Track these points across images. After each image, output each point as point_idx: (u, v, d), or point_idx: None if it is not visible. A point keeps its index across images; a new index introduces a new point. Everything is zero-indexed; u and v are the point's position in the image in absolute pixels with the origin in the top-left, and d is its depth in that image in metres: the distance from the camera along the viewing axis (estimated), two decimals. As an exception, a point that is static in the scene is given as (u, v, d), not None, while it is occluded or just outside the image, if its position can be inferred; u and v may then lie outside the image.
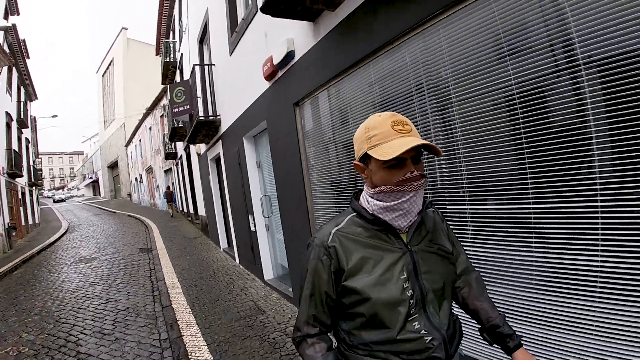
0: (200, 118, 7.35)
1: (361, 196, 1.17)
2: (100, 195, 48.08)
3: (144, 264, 8.08)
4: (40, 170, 28.13)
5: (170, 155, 17.79)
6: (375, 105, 2.73)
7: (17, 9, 17.01)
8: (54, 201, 44.81)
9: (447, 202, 2.27)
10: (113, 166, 40.87)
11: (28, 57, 18.93)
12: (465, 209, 2.16)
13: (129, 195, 35.29)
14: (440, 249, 1.16)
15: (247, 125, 5.42)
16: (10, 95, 16.21)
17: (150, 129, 23.96)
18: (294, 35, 3.53)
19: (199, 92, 7.87)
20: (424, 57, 2.26)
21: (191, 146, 11.55)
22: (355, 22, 2.69)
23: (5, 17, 15.81)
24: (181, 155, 15.62)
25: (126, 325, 4.52)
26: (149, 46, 28.64)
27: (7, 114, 15.30)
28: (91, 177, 52.77)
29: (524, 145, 1.77)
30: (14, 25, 15.14)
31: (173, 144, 16.79)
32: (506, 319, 1.21)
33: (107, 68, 39.64)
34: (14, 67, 16.64)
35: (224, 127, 7.06)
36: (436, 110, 2.25)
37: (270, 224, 5.62)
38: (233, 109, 6.12)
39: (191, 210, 15.11)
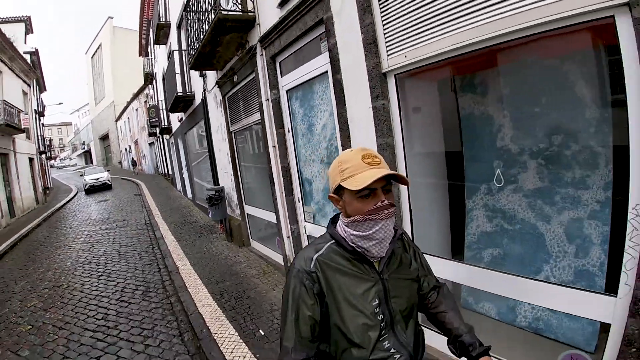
0: (164, 126, 14.90)
1: (337, 225, 1.22)
2: (93, 163, 49.25)
3: (137, 199, 15.75)
4: (51, 145, 32.08)
5: (153, 134, 24.05)
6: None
7: (32, 29, 20.96)
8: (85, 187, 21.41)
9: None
10: (104, 137, 45.11)
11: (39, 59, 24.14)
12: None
13: (120, 162, 40.25)
14: (407, 275, 1.25)
15: (179, 132, 12.97)
16: (35, 96, 22.44)
17: (136, 110, 29.16)
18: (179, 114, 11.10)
19: (162, 106, 15.30)
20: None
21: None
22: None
23: (25, 41, 20.07)
24: (159, 135, 22.57)
25: (132, 213, 12.26)
26: (135, 32, 28.80)
27: (36, 111, 21.99)
28: (83, 148, 55.09)
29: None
30: (36, 49, 20.86)
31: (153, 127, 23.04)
32: (473, 329, 1.24)
33: (96, 52, 42.55)
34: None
35: (173, 129, 14.54)
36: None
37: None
38: (174, 124, 13.62)
39: (166, 171, 22.49)
